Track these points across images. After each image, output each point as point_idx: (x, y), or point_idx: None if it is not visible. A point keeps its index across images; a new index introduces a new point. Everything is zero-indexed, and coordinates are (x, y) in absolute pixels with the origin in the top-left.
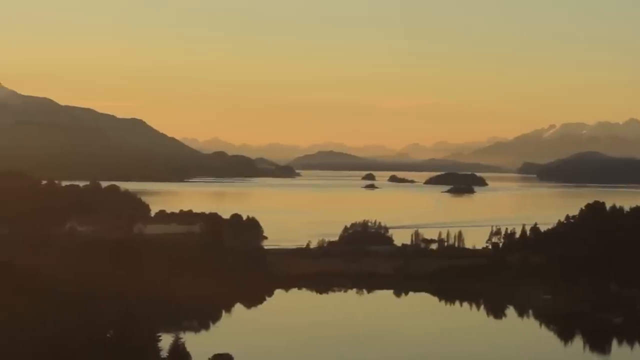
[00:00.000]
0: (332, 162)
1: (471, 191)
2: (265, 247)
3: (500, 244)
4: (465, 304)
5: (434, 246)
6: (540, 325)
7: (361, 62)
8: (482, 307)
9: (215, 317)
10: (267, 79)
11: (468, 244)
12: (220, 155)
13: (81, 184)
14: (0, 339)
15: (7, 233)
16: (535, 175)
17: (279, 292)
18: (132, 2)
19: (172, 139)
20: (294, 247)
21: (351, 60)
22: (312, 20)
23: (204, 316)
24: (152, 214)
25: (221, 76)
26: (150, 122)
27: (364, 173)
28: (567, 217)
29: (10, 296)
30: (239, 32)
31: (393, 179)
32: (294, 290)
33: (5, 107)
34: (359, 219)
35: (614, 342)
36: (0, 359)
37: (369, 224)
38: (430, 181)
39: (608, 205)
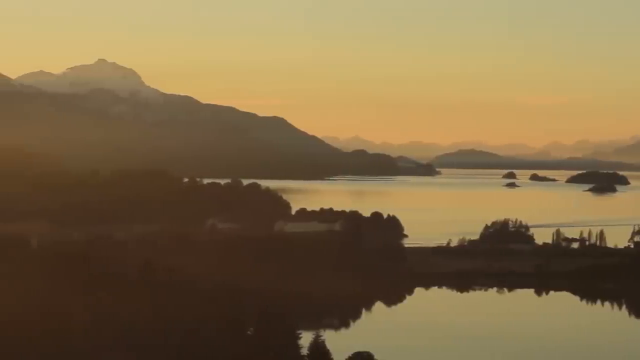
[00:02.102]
0: (472, 160)
1: (613, 190)
2: (406, 245)
3: None
4: (607, 303)
5: (575, 245)
6: None
7: (502, 59)
8: (623, 306)
9: (356, 315)
10: (408, 76)
11: (610, 243)
12: (360, 153)
13: (222, 182)
14: (143, 336)
15: (150, 231)
16: None
17: (419, 291)
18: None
19: (313, 137)
20: (435, 245)
21: (492, 57)
22: (452, 16)
23: (344, 314)
24: (293, 212)
25: (361, 74)
26: (291, 120)
27: (505, 171)
28: None
29: (153, 294)
30: (378, 29)
31: (534, 177)
32: (434, 289)
33: (147, 106)
34: (499, 217)
35: None
36: (144, 354)
37: (510, 222)
38: (572, 180)
39: None
